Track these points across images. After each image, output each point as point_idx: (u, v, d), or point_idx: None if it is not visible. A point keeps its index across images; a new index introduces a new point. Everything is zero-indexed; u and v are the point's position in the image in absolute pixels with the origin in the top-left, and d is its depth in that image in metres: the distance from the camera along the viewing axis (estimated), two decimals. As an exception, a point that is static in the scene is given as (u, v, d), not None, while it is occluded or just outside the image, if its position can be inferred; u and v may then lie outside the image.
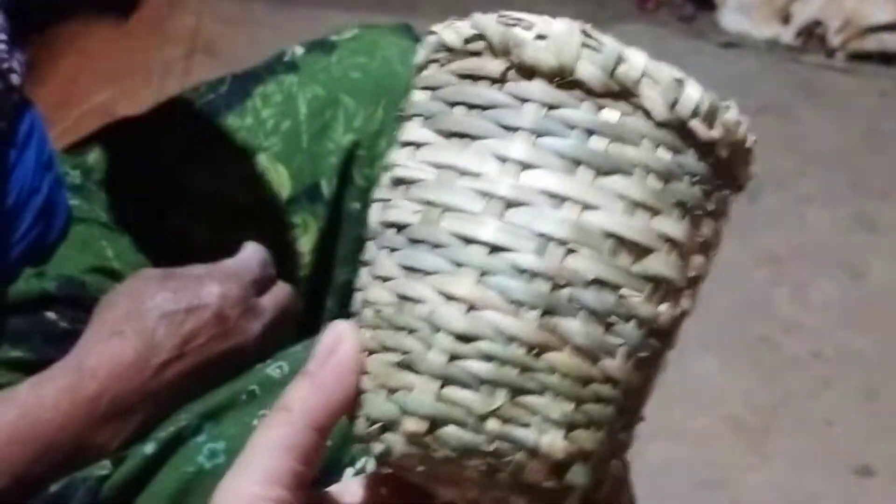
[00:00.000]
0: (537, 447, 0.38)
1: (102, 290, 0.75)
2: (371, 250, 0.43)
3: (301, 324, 0.80)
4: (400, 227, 0.41)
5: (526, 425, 0.38)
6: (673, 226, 0.40)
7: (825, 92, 2.26)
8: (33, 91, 0.88)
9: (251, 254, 0.78)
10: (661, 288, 0.40)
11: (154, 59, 2.06)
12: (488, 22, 0.41)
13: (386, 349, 0.40)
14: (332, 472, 0.64)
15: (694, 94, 0.40)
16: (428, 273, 0.39)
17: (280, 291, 0.78)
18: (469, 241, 0.39)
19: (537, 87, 0.40)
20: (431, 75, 0.43)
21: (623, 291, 0.39)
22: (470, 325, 0.38)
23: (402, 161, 0.42)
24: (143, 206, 0.88)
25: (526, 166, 0.39)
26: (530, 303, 0.38)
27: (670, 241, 0.40)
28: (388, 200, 0.42)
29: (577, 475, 0.39)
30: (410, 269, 0.40)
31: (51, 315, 0.75)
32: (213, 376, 0.71)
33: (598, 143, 0.39)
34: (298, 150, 0.88)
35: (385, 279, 0.41)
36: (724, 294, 1.77)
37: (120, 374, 0.68)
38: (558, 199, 0.39)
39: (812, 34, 2.40)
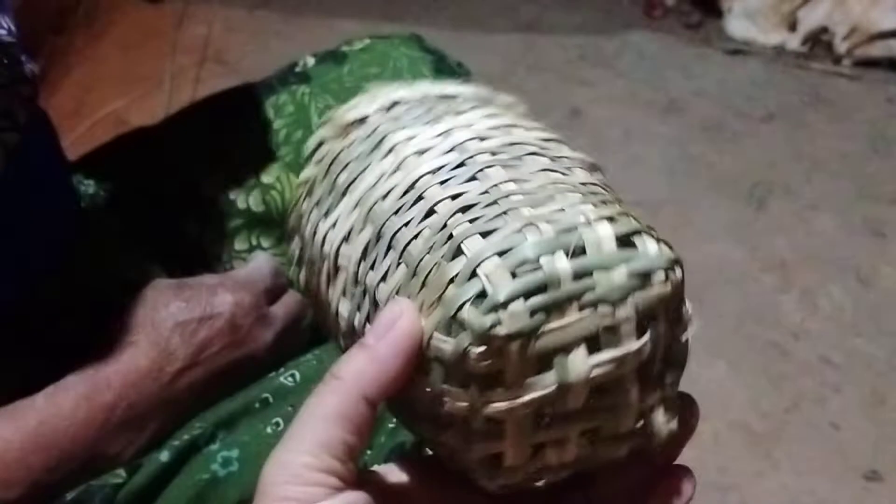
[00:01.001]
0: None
1: (116, 299, 0.76)
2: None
3: (312, 332, 0.81)
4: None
5: None
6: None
7: (832, 98, 2.26)
8: (46, 100, 0.88)
9: (262, 263, 0.79)
10: None
11: (165, 69, 2.07)
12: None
13: None
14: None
15: None
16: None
17: (291, 300, 0.78)
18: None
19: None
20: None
21: None
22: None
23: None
24: (157, 214, 0.89)
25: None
26: None
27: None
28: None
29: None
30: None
31: (65, 324, 0.76)
32: (227, 385, 0.72)
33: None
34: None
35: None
36: (732, 300, 1.78)
37: (134, 383, 0.68)
38: None
39: (819, 41, 2.40)
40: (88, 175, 0.88)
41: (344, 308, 0.45)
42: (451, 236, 0.42)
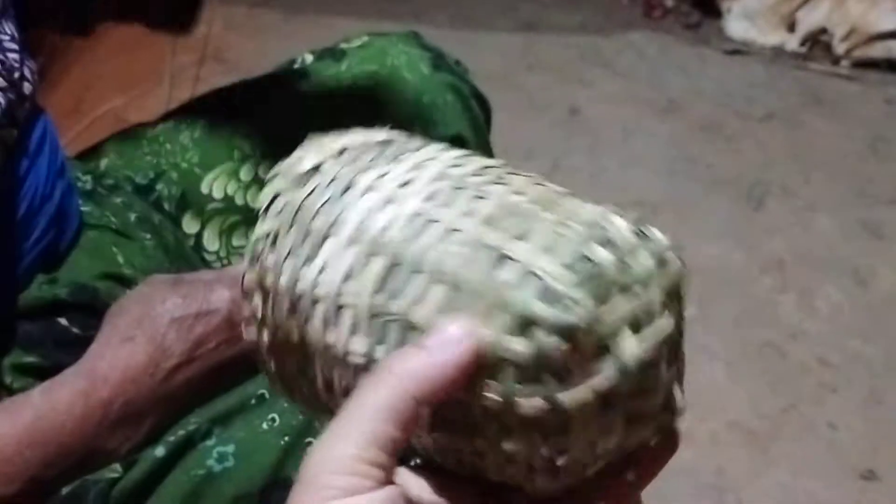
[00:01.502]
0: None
1: (113, 296, 0.76)
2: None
3: None
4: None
5: None
6: None
7: (831, 99, 2.26)
8: (46, 97, 0.89)
9: (260, 259, 0.79)
10: None
11: (165, 67, 2.07)
12: None
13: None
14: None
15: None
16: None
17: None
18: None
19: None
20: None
21: None
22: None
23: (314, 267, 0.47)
24: (155, 210, 0.89)
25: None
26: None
27: None
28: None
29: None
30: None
31: (63, 321, 0.76)
32: (223, 381, 0.72)
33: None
34: None
35: None
36: (729, 301, 1.78)
37: (131, 379, 0.68)
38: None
39: (817, 41, 2.40)
40: (86, 172, 0.88)
41: (359, 345, 0.45)
42: (487, 246, 0.43)
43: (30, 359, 0.73)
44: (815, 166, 2.07)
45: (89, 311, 0.76)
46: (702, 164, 2.06)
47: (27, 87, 0.75)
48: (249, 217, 0.88)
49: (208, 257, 0.90)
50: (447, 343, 0.41)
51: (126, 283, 0.79)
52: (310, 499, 0.39)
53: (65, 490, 0.67)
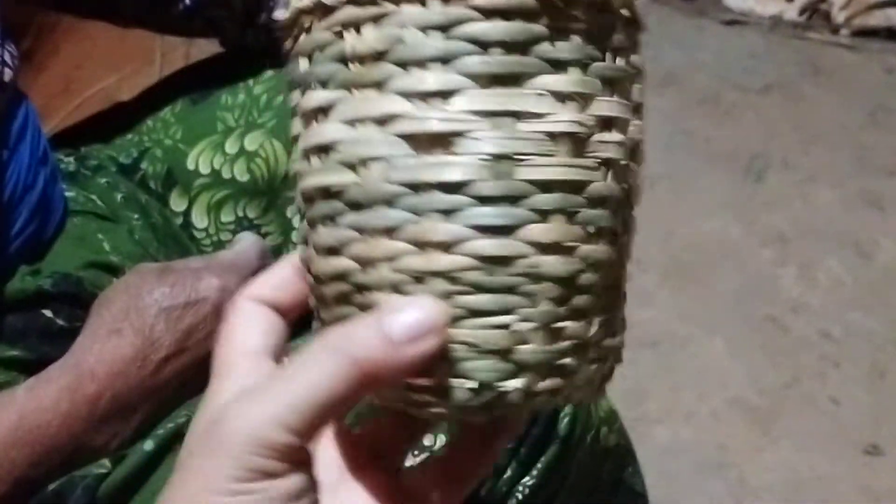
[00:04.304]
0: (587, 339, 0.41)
1: (99, 286, 0.74)
2: (303, 228, 0.42)
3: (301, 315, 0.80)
4: (334, 193, 0.40)
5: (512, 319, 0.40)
6: (606, 105, 0.42)
7: (830, 69, 2.24)
8: (34, 78, 0.87)
9: (248, 245, 0.78)
10: (613, 166, 0.42)
11: (156, 45, 2.05)
12: None
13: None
14: None
15: None
16: (389, 230, 0.39)
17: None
18: (419, 187, 0.39)
19: (422, 11, 0.39)
20: (310, 38, 0.41)
21: (581, 180, 0.40)
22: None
23: (312, 129, 0.41)
24: (141, 191, 0.88)
25: (447, 95, 0.38)
26: (500, 225, 0.39)
27: (607, 120, 0.42)
28: (310, 169, 0.42)
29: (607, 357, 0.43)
30: (367, 231, 0.40)
31: (47, 313, 0.74)
32: (213, 371, 0.70)
33: (506, 55, 0.39)
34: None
35: (333, 249, 0.41)
36: (730, 275, 1.77)
37: (119, 373, 0.67)
38: (491, 116, 0.38)
39: (816, 10, 2.38)
40: (69, 153, 0.86)
41: None
42: None
43: (14, 352, 0.71)
44: (815, 137, 2.06)
45: (74, 302, 0.74)
46: (700, 138, 2.04)
47: (7, 74, 0.74)
48: (237, 191, 0.86)
49: (197, 234, 0.88)
50: (413, 337, 0.39)
51: (113, 271, 0.78)
52: (219, 472, 0.38)
53: (51, 486, 0.65)
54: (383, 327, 0.39)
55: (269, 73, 0.88)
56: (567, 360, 0.41)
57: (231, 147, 0.87)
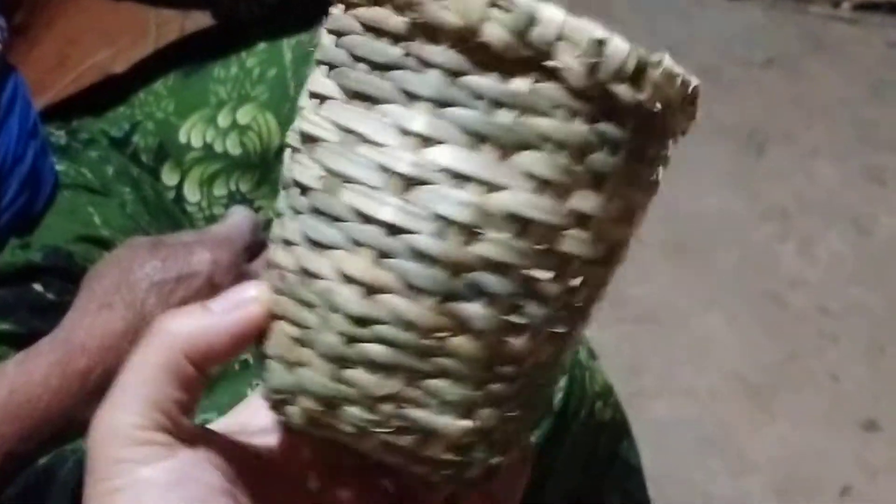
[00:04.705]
0: (434, 429, 0.37)
1: (90, 259, 0.74)
2: (281, 203, 0.40)
3: None
4: (304, 189, 0.38)
5: (424, 406, 0.37)
6: (587, 202, 0.37)
7: (832, 43, 2.23)
8: (28, 53, 0.86)
9: (241, 219, 0.77)
10: (572, 265, 0.37)
11: (150, 18, 2.04)
12: None
13: (287, 320, 0.38)
14: None
15: (617, 55, 0.36)
16: (327, 247, 0.37)
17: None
18: (368, 218, 0.36)
19: (441, 52, 0.36)
20: (338, 16, 0.39)
21: (530, 273, 0.36)
22: (367, 308, 0.36)
23: (308, 114, 0.39)
24: (133, 164, 0.87)
25: (428, 140, 0.36)
26: (429, 288, 0.36)
27: (583, 218, 0.37)
28: (297, 153, 0.40)
29: (477, 451, 0.38)
30: (312, 241, 0.38)
31: (37, 287, 0.74)
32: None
33: (505, 116, 0.35)
34: (286, 97, 0.86)
35: (289, 244, 0.39)
36: (729, 250, 1.76)
37: (110, 347, 0.66)
38: (461, 178, 0.36)
39: (818, -17, 2.37)
40: (60, 126, 0.86)
41: None
42: None
43: (4, 326, 0.71)
44: (817, 112, 2.05)
45: (65, 276, 0.74)
46: (701, 112, 2.03)
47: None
48: (229, 165, 0.86)
49: (190, 209, 0.88)
50: (233, 315, 0.38)
51: (103, 245, 0.77)
52: (102, 476, 0.37)
53: (42, 461, 0.65)
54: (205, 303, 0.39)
55: (262, 45, 0.88)
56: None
57: (223, 120, 0.87)
